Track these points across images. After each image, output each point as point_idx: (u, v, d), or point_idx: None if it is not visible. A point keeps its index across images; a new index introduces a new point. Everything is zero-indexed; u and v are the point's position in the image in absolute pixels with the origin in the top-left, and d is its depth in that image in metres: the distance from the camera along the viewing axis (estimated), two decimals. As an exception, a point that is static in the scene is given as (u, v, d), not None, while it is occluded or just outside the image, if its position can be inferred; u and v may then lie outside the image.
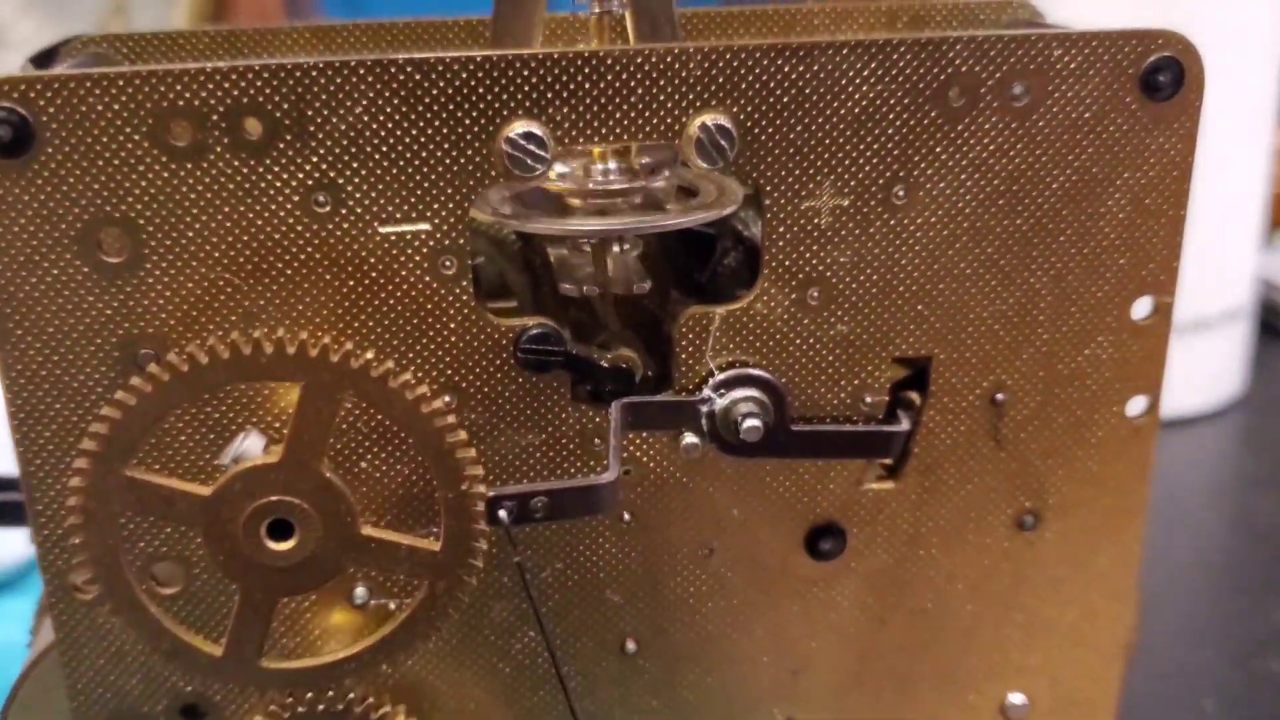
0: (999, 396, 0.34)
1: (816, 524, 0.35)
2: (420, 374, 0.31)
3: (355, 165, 0.30)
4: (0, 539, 0.57)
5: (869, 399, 0.34)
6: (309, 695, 0.31)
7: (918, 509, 0.35)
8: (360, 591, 0.33)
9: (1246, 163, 0.69)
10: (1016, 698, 0.38)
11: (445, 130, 0.30)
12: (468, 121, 0.30)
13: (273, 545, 0.29)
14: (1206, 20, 0.63)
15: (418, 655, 0.34)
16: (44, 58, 0.37)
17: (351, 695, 0.32)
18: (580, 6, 0.34)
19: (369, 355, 0.28)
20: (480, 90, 0.30)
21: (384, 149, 0.30)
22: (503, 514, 0.28)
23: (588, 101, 0.30)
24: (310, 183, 0.30)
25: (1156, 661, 0.51)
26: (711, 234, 0.38)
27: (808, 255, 0.32)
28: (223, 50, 0.38)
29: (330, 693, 0.32)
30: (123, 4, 0.92)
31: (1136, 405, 0.35)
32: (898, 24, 0.40)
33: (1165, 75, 0.32)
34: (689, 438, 0.33)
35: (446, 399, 0.32)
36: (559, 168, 0.33)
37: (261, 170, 0.30)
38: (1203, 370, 0.73)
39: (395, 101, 0.30)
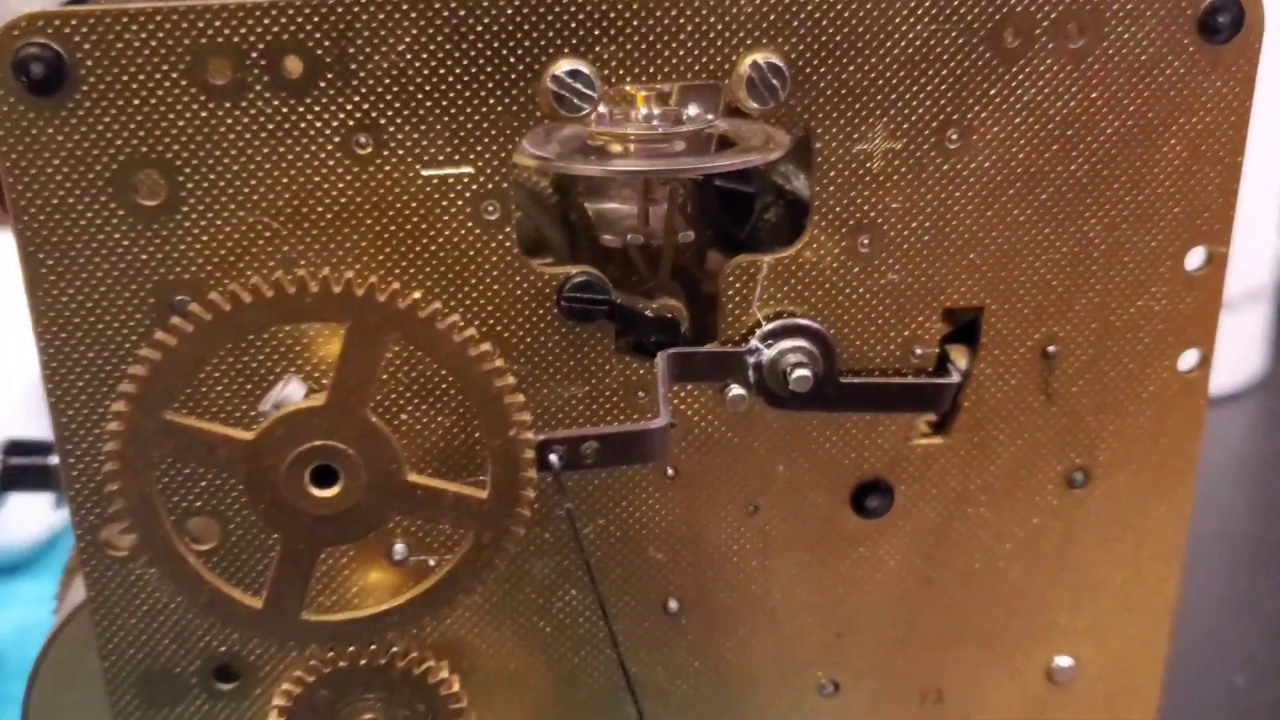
0: (1051, 349, 0.33)
1: (863, 481, 0.34)
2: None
3: (398, 105, 0.29)
4: (13, 521, 0.56)
5: (919, 351, 0.33)
6: (350, 650, 0.31)
7: (967, 466, 0.34)
8: (399, 548, 0.32)
9: (1267, 144, 0.69)
10: (1063, 660, 0.37)
11: (490, 69, 0.29)
12: (513, 60, 0.29)
13: (316, 492, 0.28)
14: None
15: (458, 613, 0.33)
16: None
17: (394, 650, 0.31)
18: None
19: (416, 295, 0.27)
20: (526, 27, 0.29)
21: (427, 88, 0.29)
22: (554, 458, 0.28)
23: (636, 39, 0.29)
24: (351, 123, 0.29)
25: (1187, 638, 0.51)
26: (750, 192, 0.37)
27: (859, 201, 0.31)
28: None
29: (372, 647, 0.31)
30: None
31: (1189, 359, 0.34)
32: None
33: (1224, 17, 0.31)
34: (735, 390, 0.32)
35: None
36: (601, 109, 0.33)
37: (302, 110, 0.29)
38: (1224, 351, 0.72)
39: (439, 39, 0.29)
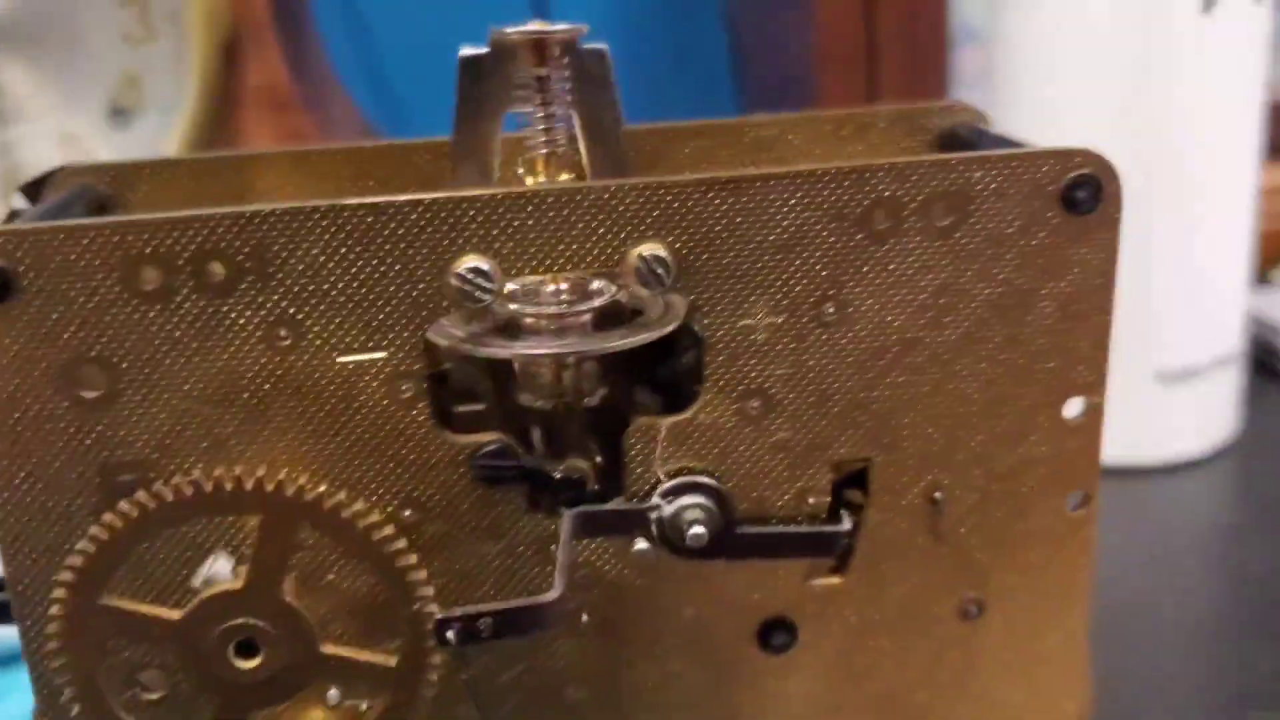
0: (937, 495, 0.36)
1: (768, 619, 0.37)
2: (382, 490, 0.33)
3: (314, 301, 0.32)
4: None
5: (812, 500, 0.35)
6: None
7: (865, 602, 0.37)
8: (333, 693, 0.35)
9: (1232, 204, 0.70)
10: (971, 778, 0.39)
11: (398, 266, 0.32)
12: (418, 258, 0.32)
13: (240, 664, 0.30)
14: (1187, 59, 0.64)
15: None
16: (33, 186, 0.39)
17: (321, 798, 0.34)
18: (530, 133, 0.36)
19: (322, 488, 0.30)
20: (429, 229, 0.32)
21: (340, 285, 0.32)
22: (450, 635, 0.30)
23: (531, 236, 0.32)
24: (272, 319, 0.32)
25: (1142, 712, 0.53)
26: (668, 336, 0.40)
27: (746, 369, 0.34)
28: (206, 177, 0.40)
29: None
30: (135, 79, 0.94)
31: (1073, 499, 0.37)
32: (842, 131, 0.41)
33: (1084, 191, 0.33)
34: (641, 543, 0.35)
35: (407, 513, 0.33)
36: (511, 287, 0.35)
37: (226, 309, 0.32)
38: (1195, 416, 0.74)
39: (350, 242, 0.32)
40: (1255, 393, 0.79)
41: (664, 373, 0.39)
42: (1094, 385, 0.35)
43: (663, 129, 0.41)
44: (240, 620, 0.30)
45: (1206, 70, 0.66)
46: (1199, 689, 0.56)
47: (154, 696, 0.34)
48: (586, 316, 0.35)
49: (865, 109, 0.41)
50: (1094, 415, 0.36)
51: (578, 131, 0.37)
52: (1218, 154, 0.68)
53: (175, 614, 0.30)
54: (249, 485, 0.30)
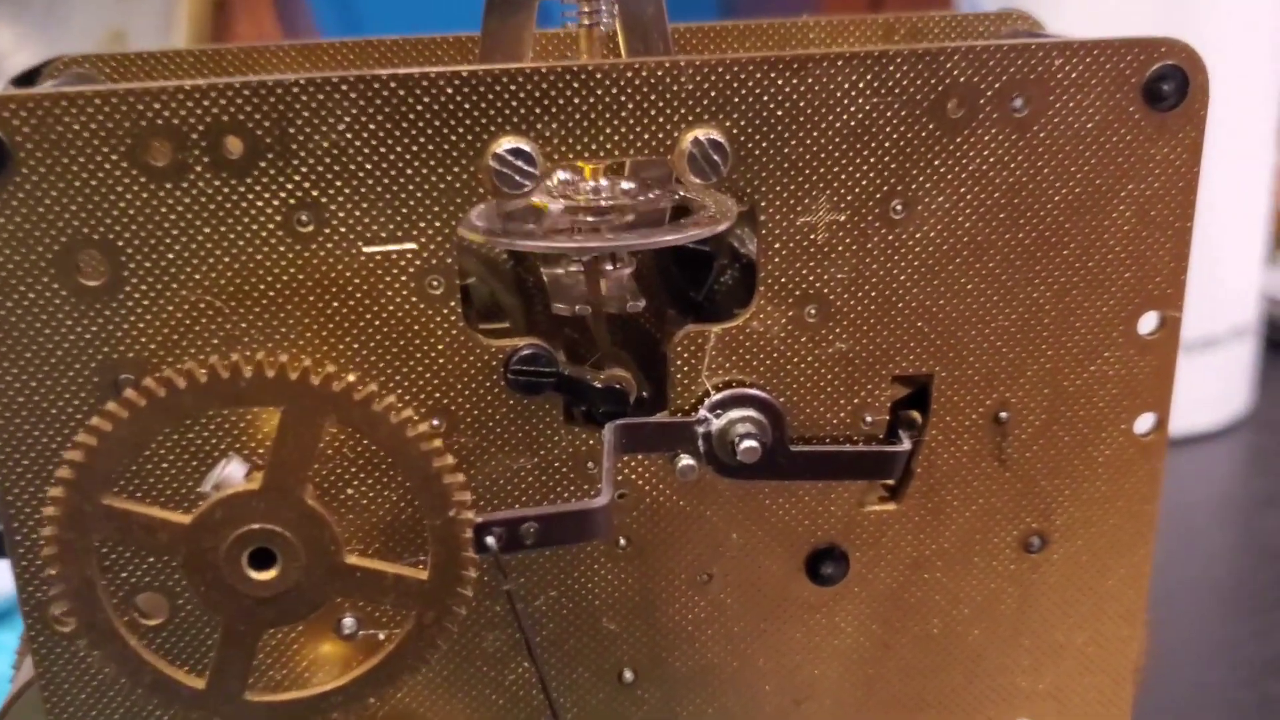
0: (1003, 415, 0.33)
1: (818, 547, 0.34)
2: (408, 397, 0.31)
3: (339, 184, 0.29)
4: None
5: (869, 418, 0.33)
6: (295, 730, 0.31)
7: (921, 531, 0.34)
8: (349, 622, 0.32)
9: (1249, 180, 0.69)
10: (1025, 724, 0.37)
11: (431, 147, 0.29)
12: (454, 138, 0.29)
13: (254, 575, 0.28)
14: (1206, 36, 0.63)
15: (408, 687, 0.33)
16: (26, 78, 0.36)
17: (338, 729, 0.31)
18: (569, 19, 0.34)
19: (351, 378, 0.27)
20: (467, 106, 0.29)
21: (368, 167, 0.29)
22: (491, 541, 0.28)
23: (577, 117, 0.29)
24: (293, 202, 0.29)
25: (1167, 683, 0.51)
26: (708, 252, 0.37)
27: (804, 271, 0.31)
28: (209, 69, 0.37)
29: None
30: (120, 34, 0.91)
31: (1144, 423, 0.34)
32: (895, 36, 0.39)
33: (1169, 84, 0.31)
34: (685, 460, 0.32)
35: (435, 422, 0.31)
36: (552, 180, 0.33)
37: (243, 190, 0.29)
38: (1209, 388, 0.73)
39: (379, 118, 0.29)
40: (1267, 371, 0.78)
41: (699, 297, 0.37)
42: (1171, 298, 0.33)
43: (707, 29, 0.38)
44: (257, 525, 0.27)
45: (1224, 46, 0.64)
46: (1216, 656, 0.55)
47: (151, 623, 0.32)
48: (630, 214, 0.32)
49: (918, 13, 0.39)
50: (1170, 331, 0.33)
51: (617, 27, 0.34)
52: (1237, 126, 0.67)
53: (185, 518, 0.27)
54: (271, 373, 0.27)
